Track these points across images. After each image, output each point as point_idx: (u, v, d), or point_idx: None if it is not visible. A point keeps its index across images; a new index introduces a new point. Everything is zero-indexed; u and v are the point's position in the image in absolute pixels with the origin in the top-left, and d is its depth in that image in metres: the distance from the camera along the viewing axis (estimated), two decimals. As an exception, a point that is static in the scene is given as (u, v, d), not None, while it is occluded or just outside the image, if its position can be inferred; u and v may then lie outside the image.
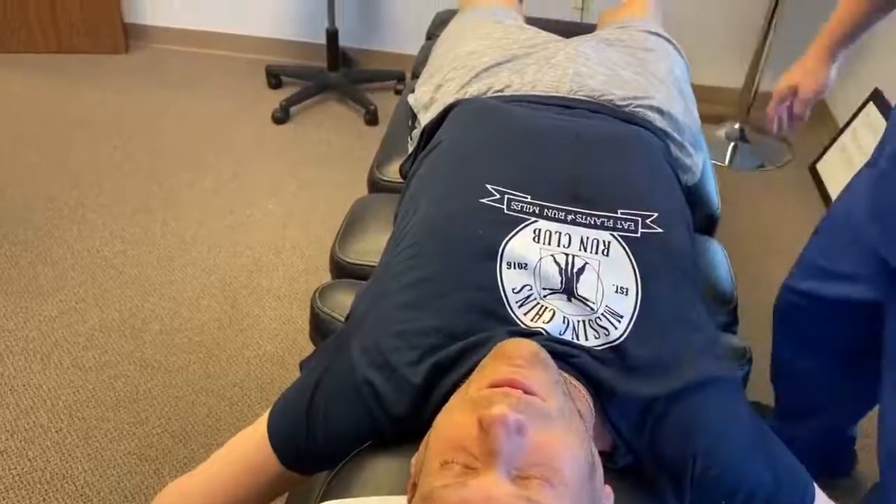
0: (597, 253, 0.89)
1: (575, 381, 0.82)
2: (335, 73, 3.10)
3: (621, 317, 0.86)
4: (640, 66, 1.31)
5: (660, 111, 1.21)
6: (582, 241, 0.90)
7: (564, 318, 0.86)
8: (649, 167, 1.06)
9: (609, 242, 0.90)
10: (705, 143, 1.50)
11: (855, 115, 2.82)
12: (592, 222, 0.92)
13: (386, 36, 3.24)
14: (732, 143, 3.06)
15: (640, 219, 0.94)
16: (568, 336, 0.85)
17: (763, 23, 2.86)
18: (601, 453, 0.79)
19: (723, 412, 0.84)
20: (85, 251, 2.26)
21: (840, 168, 2.77)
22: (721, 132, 3.09)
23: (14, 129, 2.78)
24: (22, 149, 2.68)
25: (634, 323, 0.86)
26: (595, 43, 1.42)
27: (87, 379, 1.89)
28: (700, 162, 1.33)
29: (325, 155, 2.79)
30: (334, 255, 1.26)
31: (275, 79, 3.18)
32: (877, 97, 2.75)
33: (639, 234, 0.92)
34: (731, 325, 1.21)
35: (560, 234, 0.90)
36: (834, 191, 2.75)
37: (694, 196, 1.38)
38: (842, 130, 2.86)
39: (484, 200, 0.93)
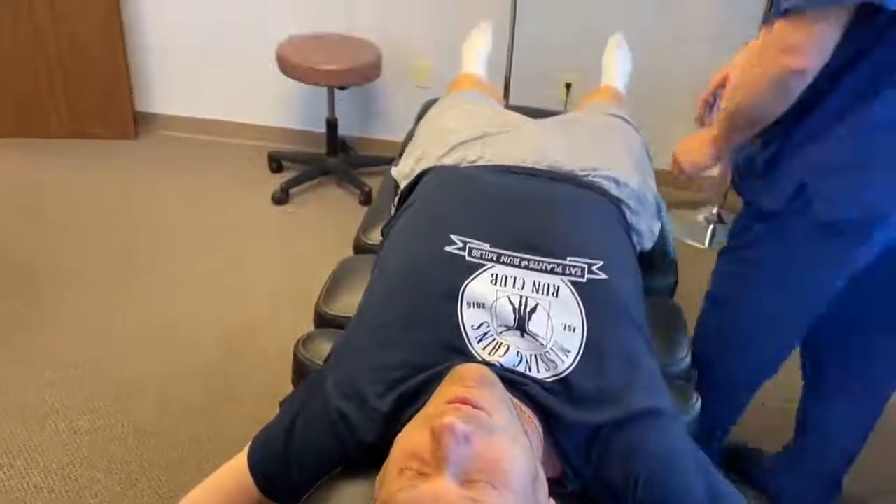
0: (547, 295, 1.00)
1: (525, 408, 0.91)
2: (334, 158, 3.26)
3: (569, 352, 0.96)
4: (600, 143, 1.44)
5: (616, 181, 1.33)
6: (534, 285, 1.01)
7: (518, 352, 0.95)
8: (599, 225, 1.17)
9: (558, 286, 1.01)
10: (666, 217, 1.61)
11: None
12: (544, 268, 1.03)
13: (381, 125, 3.43)
14: (711, 226, 3.19)
15: (586, 266, 1.04)
16: (521, 368, 0.95)
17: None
18: (550, 479, 0.87)
19: (664, 440, 0.92)
20: (85, 320, 2.36)
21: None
22: (700, 216, 3.22)
23: (24, 206, 2.92)
24: (30, 224, 2.81)
25: (581, 358, 0.96)
26: (561, 123, 1.57)
27: (82, 442, 1.95)
28: (656, 229, 1.45)
29: (322, 232, 2.93)
30: (318, 308, 1.36)
31: (276, 163, 3.35)
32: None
33: (585, 280, 1.03)
34: (686, 376, 1.30)
35: (515, 278, 1.01)
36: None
37: (653, 260, 1.48)
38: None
39: (448, 249, 1.05)
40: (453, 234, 1.06)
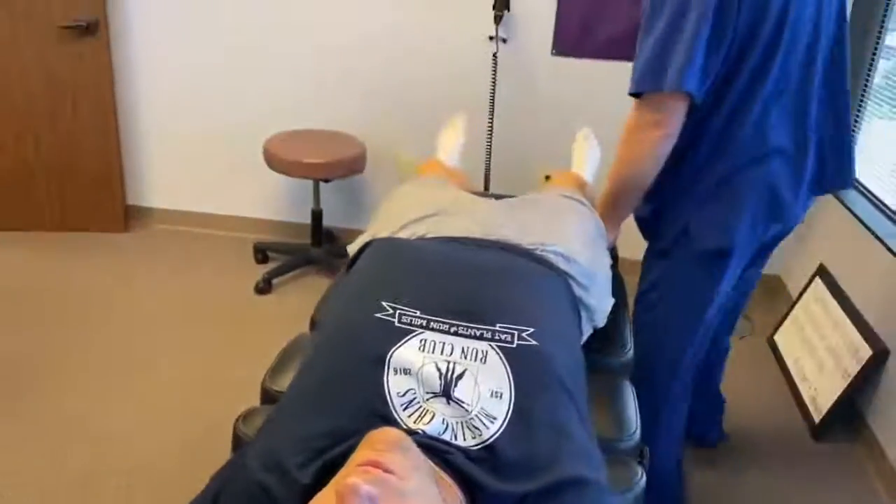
0: (475, 360, 0.99)
1: (447, 478, 0.89)
2: (318, 249, 3.31)
3: (495, 418, 0.95)
4: (552, 221, 1.47)
5: (565, 257, 1.34)
6: (463, 350, 1.00)
7: (444, 419, 0.94)
8: (538, 295, 1.17)
9: (487, 351, 1.01)
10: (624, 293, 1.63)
11: (805, 289, 2.97)
12: (472, 334, 1.03)
13: (366, 216, 3.50)
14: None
15: (516, 332, 1.04)
16: (446, 436, 0.93)
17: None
18: None
19: None
20: (57, 411, 2.34)
21: (795, 339, 2.87)
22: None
23: (11, 299, 2.95)
24: (16, 316, 2.83)
25: (507, 424, 0.95)
26: (517, 202, 1.60)
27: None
28: (608, 307, 1.46)
29: (304, 321, 2.92)
30: (264, 384, 1.36)
31: (262, 254, 3.40)
32: (822, 272, 2.91)
33: (514, 345, 1.02)
34: (634, 452, 1.27)
35: (444, 343, 1.01)
36: (791, 361, 2.84)
37: (608, 338, 1.49)
38: (794, 303, 3.00)
39: (378, 315, 1.05)
40: (384, 300, 1.07)
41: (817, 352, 2.69)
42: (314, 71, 3.33)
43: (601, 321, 1.42)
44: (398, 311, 1.05)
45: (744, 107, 1.59)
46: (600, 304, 1.41)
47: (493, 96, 3.06)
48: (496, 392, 0.97)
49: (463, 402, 0.95)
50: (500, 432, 0.94)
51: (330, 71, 3.32)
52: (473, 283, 1.14)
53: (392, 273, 1.17)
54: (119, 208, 3.54)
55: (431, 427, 0.93)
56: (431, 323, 1.03)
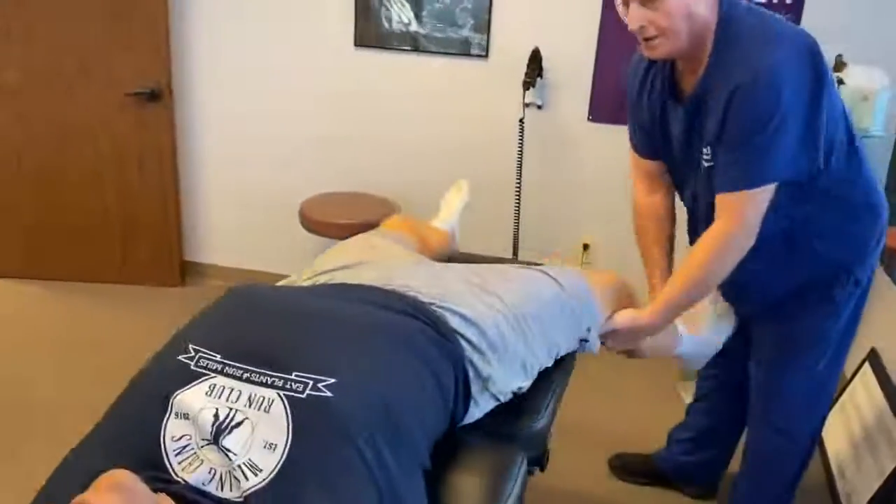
0: (259, 409, 0.96)
1: None
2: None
3: (260, 470, 0.91)
4: (477, 286, 1.41)
5: (464, 318, 1.29)
6: (250, 398, 0.98)
7: (211, 468, 0.92)
8: (374, 347, 1.11)
9: (273, 400, 0.97)
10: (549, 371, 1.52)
11: (854, 374, 2.71)
12: (263, 381, 1.00)
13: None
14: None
15: (311, 382, 1.00)
16: (211, 486, 0.91)
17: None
18: None
19: None
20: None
21: (840, 430, 2.61)
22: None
23: (66, 349, 3.13)
24: (65, 363, 3.00)
25: (272, 478, 0.91)
26: (454, 265, 1.56)
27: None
28: (511, 384, 1.35)
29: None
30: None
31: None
32: (873, 356, 2.65)
33: (304, 396, 0.98)
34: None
35: (232, 389, 0.99)
36: (832, 453, 2.57)
37: (521, 409, 1.40)
38: (843, 389, 2.74)
39: (180, 357, 1.05)
40: (193, 342, 1.06)
41: (858, 445, 2.43)
42: (356, 137, 3.43)
43: (501, 395, 1.34)
44: (199, 355, 1.04)
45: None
46: (503, 378, 1.32)
47: (521, 161, 3.04)
48: (270, 444, 0.93)
49: (230, 452, 0.93)
50: (260, 485, 0.91)
51: (370, 137, 3.41)
52: (285, 331, 1.11)
53: (214, 317, 1.17)
54: (176, 263, 3.72)
55: (195, 476, 0.92)
56: (226, 368, 1.02)
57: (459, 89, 3.23)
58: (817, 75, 1.51)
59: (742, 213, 1.58)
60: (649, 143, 1.82)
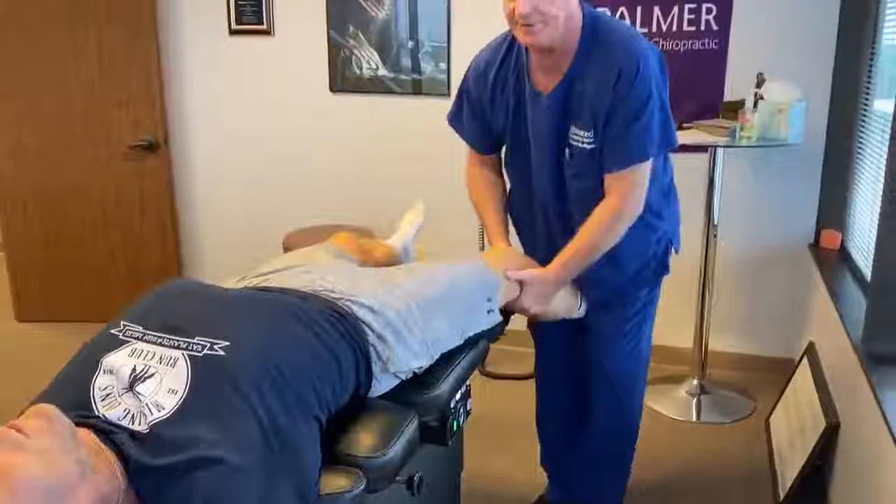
0: (167, 365, 1.23)
1: (108, 449, 1.11)
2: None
3: (164, 408, 1.17)
4: (384, 281, 1.66)
5: (370, 309, 1.53)
6: (161, 357, 1.25)
7: (126, 409, 1.18)
8: (272, 322, 1.37)
9: (178, 358, 1.24)
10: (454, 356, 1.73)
11: (797, 366, 2.90)
12: (172, 344, 1.27)
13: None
14: (695, 399, 3.15)
15: (209, 344, 1.26)
16: (125, 422, 1.16)
17: (697, 289, 3.11)
18: None
19: (219, 487, 1.10)
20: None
21: (783, 419, 2.79)
22: (682, 391, 3.20)
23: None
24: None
25: (171, 413, 1.16)
26: (371, 268, 1.83)
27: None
28: (411, 363, 1.57)
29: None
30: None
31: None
32: (810, 350, 2.84)
33: (202, 354, 1.25)
34: (378, 468, 1.38)
35: (149, 351, 1.26)
36: (776, 441, 2.75)
37: (419, 380, 1.62)
38: (788, 380, 2.92)
39: (112, 330, 1.32)
40: (125, 319, 1.34)
41: (792, 429, 2.61)
42: (334, 174, 3.74)
43: (402, 374, 1.58)
44: (126, 328, 1.31)
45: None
46: (403, 359, 1.56)
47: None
48: (172, 389, 1.19)
49: (141, 395, 1.19)
50: (163, 417, 1.16)
51: (347, 173, 3.71)
52: (197, 308, 1.38)
53: (145, 300, 1.44)
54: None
55: (112, 413, 1.17)
56: (146, 336, 1.29)
57: (426, 126, 3.52)
58: (661, 67, 1.82)
59: (632, 187, 1.84)
60: (489, 139, 2.07)
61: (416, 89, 3.54)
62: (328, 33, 3.59)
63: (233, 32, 3.73)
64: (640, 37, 1.82)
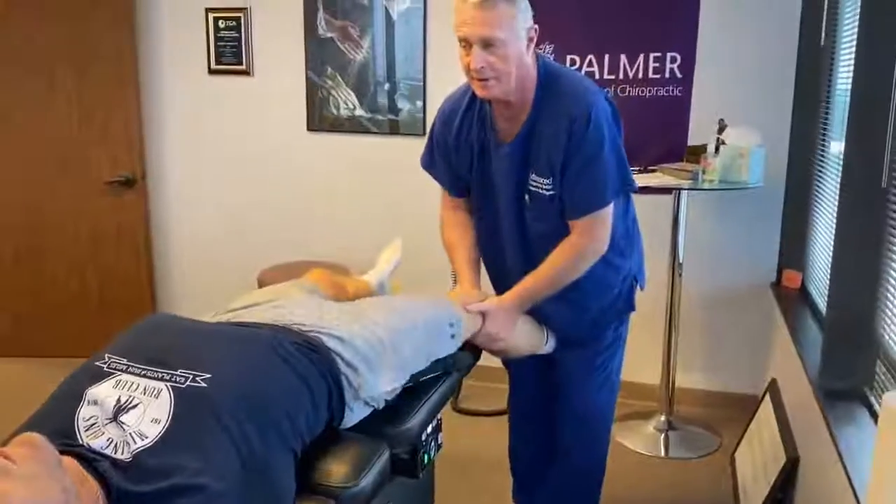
0: (150, 396, 1.28)
1: (91, 478, 1.15)
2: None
3: (147, 437, 1.21)
4: (352, 313, 1.73)
5: (339, 339, 1.59)
6: (145, 388, 1.29)
7: (110, 438, 1.22)
8: (249, 355, 1.42)
9: (161, 390, 1.29)
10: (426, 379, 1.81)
11: (761, 402, 2.98)
12: (155, 376, 1.32)
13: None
14: (663, 435, 3.21)
15: (191, 376, 1.31)
16: (108, 451, 1.20)
17: (664, 326, 3.19)
18: None
19: None
20: None
21: (747, 455, 2.86)
22: (650, 426, 3.26)
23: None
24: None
25: (156, 441, 1.21)
26: (343, 302, 1.89)
27: None
28: (382, 391, 1.63)
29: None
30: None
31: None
32: (772, 387, 2.92)
33: (184, 386, 1.30)
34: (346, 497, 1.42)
35: (133, 383, 1.30)
36: (740, 476, 2.81)
37: (392, 412, 1.68)
38: (752, 416, 3.00)
39: (96, 363, 1.36)
40: (109, 353, 1.39)
41: (756, 464, 2.68)
42: (310, 211, 3.80)
43: (374, 402, 1.63)
44: (111, 360, 1.36)
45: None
46: (374, 386, 1.61)
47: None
48: (156, 419, 1.24)
49: (125, 424, 1.23)
50: (145, 447, 1.20)
51: (322, 210, 3.77)
52: (179, 341, 1.44)
53: (128, 334, 1.49)
54: (151, 335, 4.02)
55: (96, 442, 1.21)
56: (130, 368, 1.34)
57: (401, 165, 3.59)
58: (613, 112, 1.91)
59: (595, 230, 1.93)
60: (459, 182, 2.12)
61: (393, 129, 3.62)
62: (306, 74, 3.68)
63: (212, 72, 3.80)
64: (591, 85, 1.91)
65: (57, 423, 1.25)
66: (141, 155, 3.84)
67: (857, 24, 2.13)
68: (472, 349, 1.98)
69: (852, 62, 2.08)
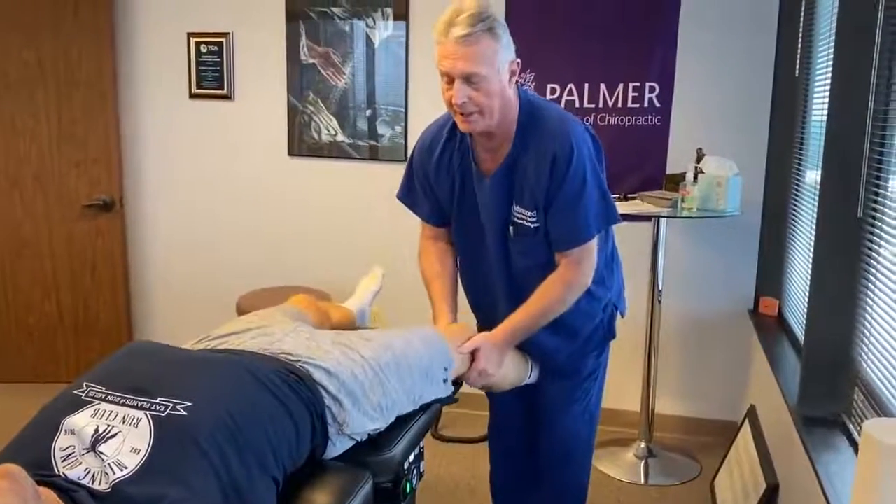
0: (130, 425, 1.26)
1: None
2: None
3: (126, 467, 1.20)
4: (342, 345, 1.70)
5: (326, 371, 1.57)
6: (124, 417, 1.27)
7: (87, 468, 1.20)
8: (228, 383, 1.40)
9: (141, 418, 1.27)
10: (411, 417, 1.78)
11: (740, 428, 2.99)
12: (135, 405, 1.30)
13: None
14: (643, 462, 3.21)
15: (171, 404, 1.30)
16: (85, 480, 1.18)
17: (644, 353, 3.20)
18: None
19: None
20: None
21: (727, 482, 2.86)
22: (630, 453, 3.26)
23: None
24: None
25: (135, 472, 1.19)
26: (330, 331, 1.87)
27: None
28: (367, 426, 1.61)
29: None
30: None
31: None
32: (751, 413, 2.94)
33: (164, 415, 1.28)
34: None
35: (112, 412, 1.28)
36: (720, 500, 2.81)
37: (375, 443, 1.66)
38: (732, 442, 3.01)
39: (74, 391, 1.34)
40: (87, 381, 1.37)
41: (736, 489, 2.69)
42: (290, 236, 3.79)
43: (357, 436, 1.61)
44: (90, 389, 1.34)
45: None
46: (358, 422, 1.59)
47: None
48: (135, 449, 1.22)
49: (103, 454, 1.21)
50: (125, 477, 1.18)
51: (302, 235, 3.77)
52: (159, 369, 1.42)
53: (108, 362, 1.47)
54: (126, 360, 3.96)
55: (73, 473, 1.19)
56: (109, 396, 1.32)
57: (381, 190, 3.59)
58: (595, 145, 1.92)
59: (581, 264, 1.93)
60: (440, 213, 2.10)
61: (374, 155, 3.63)
62: (287, 99, 3.69)
63: (193, 96, 3.80)
64: (572, 118, 1.91)
65: (33, 454, 1.23)
66: (120, 178, 3.81)
67: (831, 55, 2.17)
68: (454, 382, 1.97)
69: (827, 93, 2.12)
